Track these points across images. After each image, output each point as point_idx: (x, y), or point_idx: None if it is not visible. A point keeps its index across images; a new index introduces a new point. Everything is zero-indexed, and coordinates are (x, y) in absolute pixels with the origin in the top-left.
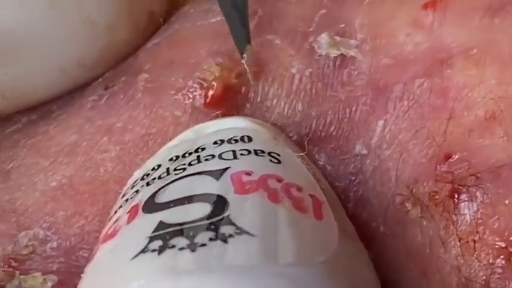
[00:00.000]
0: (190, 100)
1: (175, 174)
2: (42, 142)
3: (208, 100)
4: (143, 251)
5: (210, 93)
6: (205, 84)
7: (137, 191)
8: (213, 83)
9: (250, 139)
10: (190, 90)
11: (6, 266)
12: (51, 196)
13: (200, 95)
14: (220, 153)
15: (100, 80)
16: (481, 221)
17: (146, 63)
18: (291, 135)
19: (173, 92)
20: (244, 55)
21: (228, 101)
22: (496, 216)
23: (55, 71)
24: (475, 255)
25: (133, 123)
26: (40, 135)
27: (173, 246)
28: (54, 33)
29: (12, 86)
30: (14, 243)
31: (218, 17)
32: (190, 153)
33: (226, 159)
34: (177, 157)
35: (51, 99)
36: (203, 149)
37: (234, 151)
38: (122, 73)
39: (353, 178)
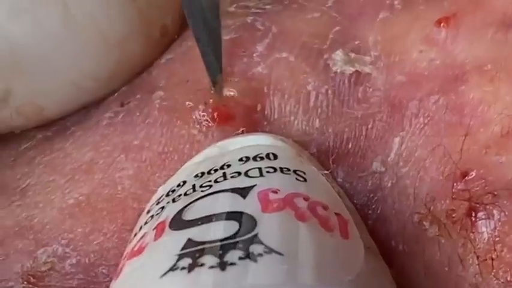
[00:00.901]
0: (206, 118)
1: (202, 191)
2: (58, 159)
3: (223, 118)
4: (172, 268)
5: (225, 110)
6: (220, 103)
7: (163, 207)
8: (228, 100)
9: (275, 156)
10: (205, 108)
11: (26, 283)
12: (69, 213)
13: (215, 113)
14: (246, 171)
15: (115, 95)
16: (498, 238)
17: (161, 80)
18: (309, 152)
19: (189, 110)
20: (216, 85)
21: (244, 119)
22: None
23: (69, 85)
24: (493, 273)
25: (150, 141)
26: (56, 152)
27: (202, 265)
28: (67, 48)
29: (26, 101)
30: (32, 260)
31: (232, 33)
32: (216, 170)
33: (253, 177)
34: (203, 174)
35: (66, 114)
36: (229, 165)
37: (260, 168)
38: (136, 89)
39: (371, 195)
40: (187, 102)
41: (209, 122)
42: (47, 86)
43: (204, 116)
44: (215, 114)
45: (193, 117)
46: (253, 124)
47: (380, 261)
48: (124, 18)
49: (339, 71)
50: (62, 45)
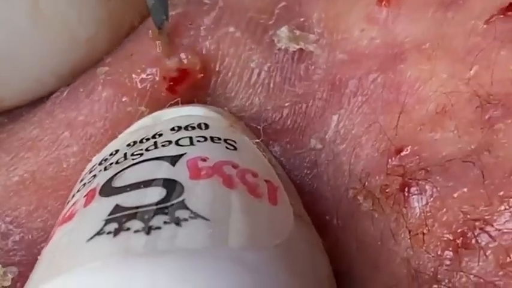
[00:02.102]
0: (150, 91)
1: (133, 159)
2: (6, 138)
3: (167, 91)
4: (99, 233)
5: (169, 84)
6: (164, 76)
7: (95, 176)
8: (172, 74)
9: (207, 126)
10: (150, 81)
11: None
12: (13, 190)
13: (160, 86)
14: (177, 140)
15: None
16: (430, 213)
17: (107, 57)
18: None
19: (133, 84)
20: (161, 31)
21: (187, 92)
22: (445, 209)
23: (31, 79)
24: (424, 247)
25: (94, 116)
26: (5, 132)
27: (128, 229)
28: (33, 43)
29: None
30: None
31: (179, 8)
32: (147, 139)
33: (183, 146)
34: (135, 142)
35: (23, 104)
36: (160, 135)
37: (190, 137)
38: None
39: (308, 172)
40: (133, 75)
41: (153, 95)
42: (9, 78)
43: (147, 89)
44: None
45: (138, 90)
46: (196, 98)
47: (312, 231)
48: (94, 17)
49: (283, 47)
50: (29, 40)
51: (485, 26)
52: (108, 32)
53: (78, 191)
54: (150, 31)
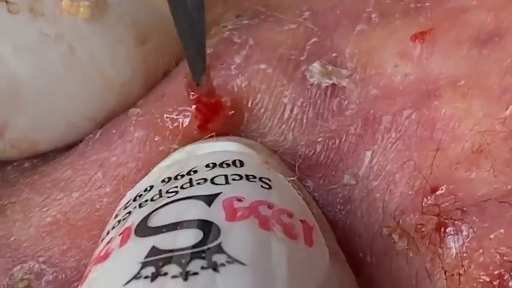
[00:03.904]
0: (182, 130)
1: (168, 197)
2: (38, 180)
3: (199, 129)
4: (136, 277)
5: (201, 122)
6: (196, 115)
7: (129, 212)
8: (203, 112)
9: (242, 163)
10: (181, 120)
11: None
12: (46, 231)
13: (192, 124)
14: (212, 178)
15: None
16: (466, 254)
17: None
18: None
19: (165, 123)
20: (200, 84)
21: (220, 129)
22: (481, 250)
23: (65, 123)
24: None
25: (127, 157)
26: (38, 174)
27: (165, 274)
28: (67, 87)
29: (21, 137)
30: (9, 277)
31: (210, 49)
32: (182, 176)
33: (218, 184)
34: (169, 179)
35: (57, 148)
36: (195, 171)
37: (226, 176)
38: None
39: (341, 208)
40: (165, 115)
41: (185, 134)
42: (44, 123)
43: (179, 128)
44: (190, 125)
45: (170, 130)
46: (228, 134)
47: (347, 269)
48: (128, 63)
49: (315, 83)
50: (63, 84)
51: None
52: (142, 77)
53: (113, 227)
54: (185, 79)
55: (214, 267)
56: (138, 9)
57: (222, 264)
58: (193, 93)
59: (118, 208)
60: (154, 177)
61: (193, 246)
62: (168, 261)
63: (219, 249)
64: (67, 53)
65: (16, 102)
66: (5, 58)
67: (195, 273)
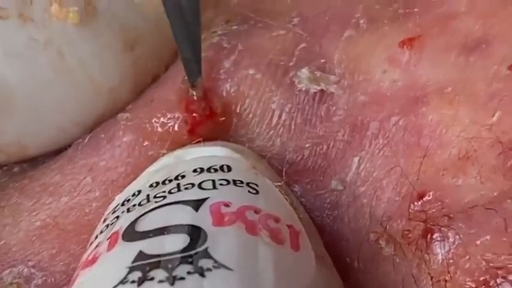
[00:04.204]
0: (171, 135)
1: (155, 202)
2: (27, 184)
3: (189, 134)
4: (122, 281)
5: (191, 127)
6: (185, 119)
7: (118, 217)
8: (194, 116)
9: (229, 168)
10: (171, 125)
11: None
12: (35, 235)
13: (181, 129)
14: (200, 183)
15: None
16: (452, 260)
17: (127, 104)
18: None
19: (154, 128)
20: (195, 88)
21: (208, 133)
22: (467, 257)
23: (54, 128)
24: None
25: (116, 161)
26: (27, 179)
27: (152, 279)
28: (57, 93)
29: (10, 142)
30: None
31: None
32: (170, 181)
33: (206, 189)
34: (157, 184)
35: (46, 153)
36: (183, 176)
37: (213, 181)
38: None
39: (329, 213)
40: (153, 120)
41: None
42: (33, 128)
43: (168, 133)
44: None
45: (159, 134)
46: (216, 138)
47: (334, 274)
48: (117, 68)
49: (304, 89)
50: (52, 90)
51: (508, 71)
52: (131, 82)
53: (101, 232)
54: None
55: (201, 272)
56: (127, 15)
57: (209, 269)
58: (193, 95)
59: (106, 212)
60: (142, 181)
61: (180, 251)
62: (155, 266)
63: (206, 254)
64: (56, 59)
65: (5, 107)
66: None
67: (182, 278)
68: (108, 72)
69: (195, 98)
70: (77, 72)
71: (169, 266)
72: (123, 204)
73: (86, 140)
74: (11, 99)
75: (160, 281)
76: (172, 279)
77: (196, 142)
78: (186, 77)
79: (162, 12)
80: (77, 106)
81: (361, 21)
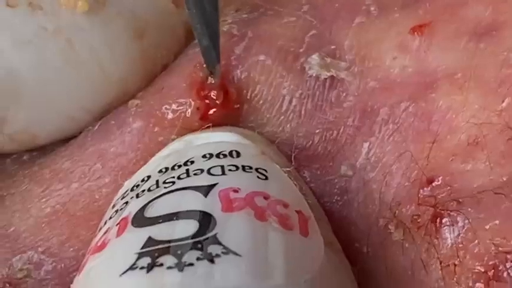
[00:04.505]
0: (181, 121)
1: (165, 187)
2: (37, 171)
3: (200, 120)
4: (132, 267)
5: (201, 113)
6: (198, 106)
7: (127, 203)
8: (207, 103)
9: (238, 154)
10: (181, 111)
11: None
12: (45, 221)
13: (192, 115)
14: (209, 168)
15: None
16: (461, 245)
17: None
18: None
19: (164, 114)
20: (214, 75)
21: (219, 119)
22: (477, 241)
23: (64, 117)
24: (455, 279)
25: (126, 148)
26: (37, 165)
27: (161, 265)
28: (66, 81)
29: (20, 130)
30: (8, 267)
31: None
32: (179, 166)
33: (215, 175)
34: (167, 169)
35: (56, 141)
36: (192, 162)
37: (222, 166)
38: None
39: (338, 198)
40: (164, 107)
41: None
42: (43, 117)
43: (179, 119)
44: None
45: (169, 121)
46: (226, 124)
47: (342, 258)
48: (127, 57)
49: (314, 75)
50: (62, 78)
51: None
52: (140, 71)
53: (110, 217)
54: (201, 73)
55: (210, 258)
56: (136, 3)
57: (218, 255)
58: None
59: (116, 198)
60: (151, 167)
61: (190, 237)
62: (164, 252)
63: (215, 240)
64: (65, 47)
65: (15, 96)
66: (4, 52)
67: (191, 264)
68: (118, 61)
69: (213, 83)
70: (87, 61)
71: (179, 252)
72: (132, 190)
73: (96, 127)
74: (21, 88)
75: (170, 267)
76: (182, 266)
77: (206, 127)
78: (204, 65)
79: (169, 4)
80: (86, 94)
81: (372, 8)
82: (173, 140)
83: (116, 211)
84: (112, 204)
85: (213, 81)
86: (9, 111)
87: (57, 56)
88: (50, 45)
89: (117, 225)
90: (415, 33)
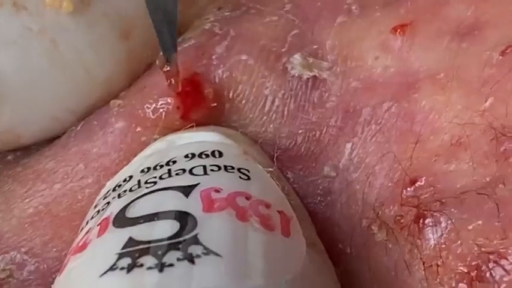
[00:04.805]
0: (164, 120)
1: (146, 187)
2: (21, 171)
3: (182, 119)
4: (112, 268)
5: (183, 112)
6: (178, 105)
7: (109, 203)
8: (187, 102)
9: (220, 154)
10: (163, 110)
11: None
12: (28, 222)
13: (174, 114)
14: (191, 168)
15: None
16: (444, 245)
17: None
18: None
19: (146, 114)
20: (170, 63)
21: (201, 119)
22: (459, 242)
23: (48, 117)
24: (438, 279)
25: (109, 148)
26: (20, 166)
27: (141, 265)
28: (51, 82)
29: (5, 130)
30: None
31: (192, 41)
32: (161, 166)
33: (197, 175)
34: (149, 169)
35: (40, 141)
36: (174, 162)
37: (204, 166)
38: None
39: (321, 199)
40: (146, 106)
41: (166, 125)
42: (27, 117)
43: (161, 119)
44: (172, 116)
45: (151, 120)
46: (209, 124)
47: (325, 259)
48: (112, 57)
49: (296, 74)
50: (47, 79)
51: (500, 57)
52: (125, 71)
53: (92, 217)
54: (157, 61)
55: (190, 258)
56: (122, 3)
57: (198, 256)
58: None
59: (98, 198)
60: (134, 166)
61: (170, 238)
62: (144, 252)
63: (195, 240)
64: (50, 48)
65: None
66: None
67: (171, 265)
68: (103, 62)
69: (169, 70)
70: (71, 62)
71: (159, 252)
72: (114, 190)
73: (79, 127)
74: (5, 88)
75: (150, 268)
76: (161, 266)
77: (189, 127)
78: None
79: None
80: (71, 95)
81: (353, 7)
82: (156, 139)
83: (98, 211)
84: (94, 204)
85: (168, 69)
86: None
87: (41, 57)
88: (34, 45)
89: (98, 225)
90: (397, 32)
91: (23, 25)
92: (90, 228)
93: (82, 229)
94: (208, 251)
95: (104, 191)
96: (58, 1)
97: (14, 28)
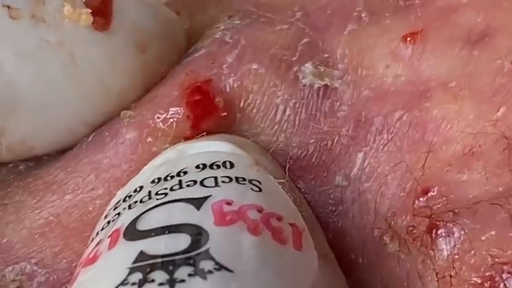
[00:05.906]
0: (174, 130)
1: (157, 199)
2: (31, 182)
3: (192, 129)
4: (123, 283)
5: (194, 122)
6: (189, 114)
7: (119, 214)
8: (197, 111)
9: (232, 165)
10: (174, 120)
11: None
12: (38, 233)
13: (184, 124)
14: (202, 180)
15: None
16: (457, 256)
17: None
18: None
19: (157, 124)
20: None
21: (212, 128)
22: (473, 252)
23: (62, 129)
24: None
25: (120, 159)
26: (31, 177)
27: (153, 281)
28: (66, 94)
29: (18, 141)
30: (0, 278)
31: (202, 50)
32: (172, 177)
33: (208, 187)
34: (159, 179)
35: (53, 152)
36: (185, 172)
37: (215, 178)
38: None
39: (333, 209)
40: (156, 116)
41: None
42: (41, 128)
43: (172, 128)
44: (183, 125)
45: (162, 131)
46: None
47: (337, 271)
48: (128, 71)
49: (308, 83)
50: (62, 91)
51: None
52: (140, 84)
53: (102, 228)
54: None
55: (202, 274)
56: (139, 17)
57: (210, 272)
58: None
59: (108, 208)
60: (144, 176)
61: (181, 252)
62: (155, 267)
63: (207, 255)
64: (67, 60)
65: (14, 108)
66: (5, 64)
67: (182, 281)
68: (119, 75)
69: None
70: (87, 74)
71: (170, 267)
72: (124, 200)
73: (90, 138)
74: (20, 100)
75: (161, 284)
76: (173, 282)
77: (200, 136)
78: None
79: (171, 13)
80: (85, 107)
81: (363, 15)
82: (166, 148)
83: (108, 222)
84: (104, 215)
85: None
86: (8, 123)
87: (58, 69)
88: (51, 58)
89: (109, 237)
90: (408, 40)
91: (41, 37)
92: (101, 239)
93: (92, 240)
94: (220, 267)
95: (114, 201)
96: (77, 13)
97: (31, 40)
